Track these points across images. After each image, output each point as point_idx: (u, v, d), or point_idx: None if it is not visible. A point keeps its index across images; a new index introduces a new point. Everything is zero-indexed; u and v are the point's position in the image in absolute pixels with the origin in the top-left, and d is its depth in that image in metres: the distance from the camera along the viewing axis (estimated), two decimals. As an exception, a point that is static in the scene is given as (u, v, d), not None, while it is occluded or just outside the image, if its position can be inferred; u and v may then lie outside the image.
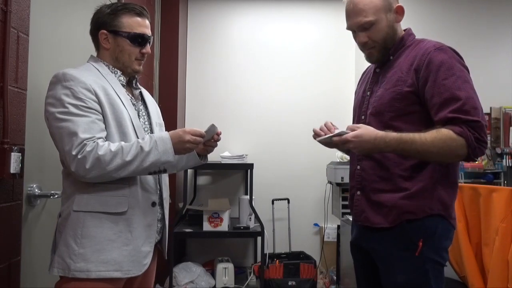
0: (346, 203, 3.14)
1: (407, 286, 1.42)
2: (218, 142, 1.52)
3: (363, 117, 1.56)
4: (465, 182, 3.43)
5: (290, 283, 3.32)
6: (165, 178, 1.57)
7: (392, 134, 1.36)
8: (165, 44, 3.57)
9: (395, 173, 1.45)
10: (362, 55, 1.61)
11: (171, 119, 3.44)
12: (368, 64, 1.67)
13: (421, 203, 1.42)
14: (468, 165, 3.49)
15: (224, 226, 3.17)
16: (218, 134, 1.49)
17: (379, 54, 1.53)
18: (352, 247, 1.64)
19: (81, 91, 1.34)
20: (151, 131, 1.54)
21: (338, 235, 3.47)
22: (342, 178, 3.20)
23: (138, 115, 1.50)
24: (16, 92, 1.48)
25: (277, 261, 3.43)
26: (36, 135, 1.62)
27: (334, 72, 3.99)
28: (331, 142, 1.41)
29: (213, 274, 3.39)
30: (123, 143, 1.35)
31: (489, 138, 3.53)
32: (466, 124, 1.34)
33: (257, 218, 3.28)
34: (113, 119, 1.39)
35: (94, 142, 1.31)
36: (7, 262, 1.44)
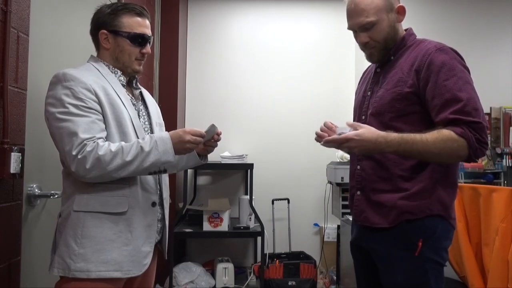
0: (346, 203, 3.14)
1: (407, 286, 1.42)
2: (218, 142, 1.52)
3: (363, 117, 1.56)
4: (465, 182, 3.43)
5: (290, 283, 3.32)
6: (165, 178, 1.57)
7: (393, 135, 1.36)
8: (165, 44, 3.57)
9: (395, 173, 1.45)
10: (362, 55, 1.61)
11: (171, 119, 3.44)
12: (369, 63, 1.67)
13: (421, 203, 1.42)
14: (468, 165, 3.49)
15: (224, 226, 3.17)
16: (218, 134, 1.49)
17: (380, 54, 1.53)
18: (352, 247, 1.64)
19: (81, 91, 1.34)
20: (151, 131, 1.54)
21: (338, 235, 3.47)
22: (342, 178, 3.20)
23: (138, 115, 1.50)
24: (16, 92, 1.48)
25: (277, 261, 3.43)
26: (36, 135, 1.61)
27: (334, 72, 3.99)
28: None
29: (213, 274, 3.39)
30: (123, 143, 1.35)
31: (489, 138, 3.53)
32: (467, 125, 1.33)
33: (257, 218, 3.28)
34: (113, 119, 1.39)
35: (94, 142, 1.31)
36: (7, 262, 1.44)
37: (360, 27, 1.49)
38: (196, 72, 3.98)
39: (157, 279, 1.87)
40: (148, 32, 1.50)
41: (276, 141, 3.93)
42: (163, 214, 1.54)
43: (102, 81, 1.42)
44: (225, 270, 3.33)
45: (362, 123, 1.52)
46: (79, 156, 1.29)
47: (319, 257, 3.71)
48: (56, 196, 1.63)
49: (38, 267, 1.63)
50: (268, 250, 3.58)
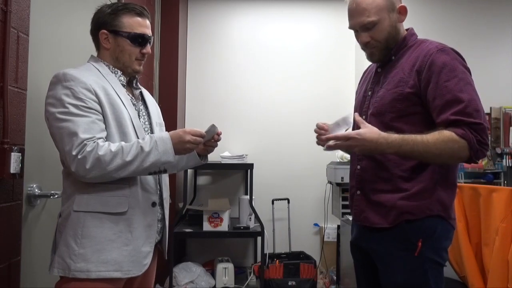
0: (346, 203, 3.15)
1: (407, 286, 1.42)
2: (218, 142, 1.52)
3: (364, 117, 1.55)
4: (465, 182, 3.43)
5: (290, 283, 3.32)
6: (165, 178, 1.57)
7: (394, 135, 1.36)
8: (165, 44, 3.57)
9: (395, 173, 1.45)
10: (362, 55, 1.60)
11: (171, 119, 3.44)
12: (369, 63, 1.67)
13: (421, 203, 1.42)
14: (468, 165, 3.49)
15: (224, 226, 3.17)
16: (219, 134, 1.49)
17: (381, 54, 1.53)
18: (352, 247, 1.64)
19: (81, 91, 1.34)
20: (151, 131, 1.54)
21: (338, 235, 3.47)
22: (342, 178, 3.20)
23: (138, 115, 1.50)
24: (16, 92, 1.48)
25: (277, 261, 3.43)
26: (36, 135, 1.61)
27: (334, 72, 3.99)
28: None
29: (213, 274, 3.39)
30: (123, 143, 1.35)
31: (489, 138, 3.53)
32: (468, 126, 1.33)
33: (257, 218, 3.28)
34: (113, 119, 1.39)
35: (94, 142, 1.31)
36: (7, 262, 1.44)
37: (361, 26, 1.49)
38: (196, 72, 3.98)
39: (157, 279, 1.87)
40: (149, 32, 1.50)
41: (276, 141, 3.93)
42: (163, 214, 1.54)
43: (102, 81, 1.42)
44: (225, 270, 3.33)
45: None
46: (79, 156, 1.29)
47: (319, 257, 3.71)
48: (56, 196, 1.63)
49: (38, 267, 1.63)
50: (268, 250, 3.58)
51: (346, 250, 2.84)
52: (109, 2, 1.76)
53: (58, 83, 1.34)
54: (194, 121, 3.92)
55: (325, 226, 3.74)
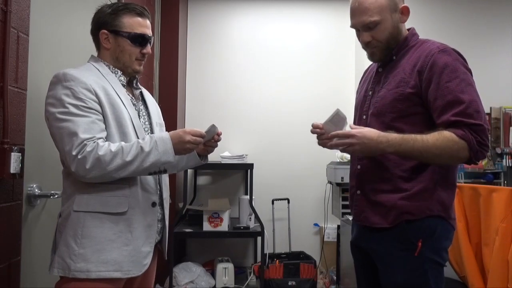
0: (346, 203, 3.15)
1: (407, 286, 1.42)
2: (218, 142, 1.52)
3: (364, 117, 1.55)
4: (465, 182, 3.43)
5: (290, 283, 3.32)
6: (165, 178, 1.57)
7: (394, 134, 1.36)
8: (165, 44, 3.57)
9: (395, 173, 1.45)
10: (362, 55, 1.60)
11: (171, 119, 3.44)
12: (369, 63, 1.67)
13: (421, 204, 1.42)
14: (468, 165, 3.49)
15: (224, 226, 3.17)
16: (219, 135, 1.49)
17: (382, 53, 1.53)
18: (352, 247, 1.64)
19: (82, 91, 1.34)
20: (151, 131, 1.54)
21: (338, 235, 3.47)
22: (342, 178, 3.20)
23: (139, 115, 1.50)
24: (16, 92, 1.48)
25: (277, 261, 3.43)
26: (36, 135, 1.61)
27: (334, 72, 3.99)
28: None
29: (213, 274, 3.39)
30: (123, 143, 1.35)
31: (489, 138, 3.53)
32: (469, 127, 1.34)
33: (257, 218, 3.28)
34: (113, 119, 1.39)
35: (94, 142, 1.31)
36: (7, 262, 1.44)
37: (363, 26, 1.48)
38: (196, 72, 3.98)
39: (157, 279, 1.87)
40: (149, 32, 1.50)
41: (276, 141, 3.93)
42: (163, 214, 1.54)
43: (102, 81, 1.42)
44: (225, 270, 3.33)
45: (363, 123, 1.53)
46: (79, 156, 1.29)
47: (319, 257, 3.71)
48: (56, 196, 1.63)
49: (38, 267, 1.63)
50: (268, 250, 3.58)
51: (346, 250, 2.84)
52: (109, 2, 1.76)
53: (58, 83, 1.34)
54: (194, 121, 3.92)
55: (325, 226, 3.74)
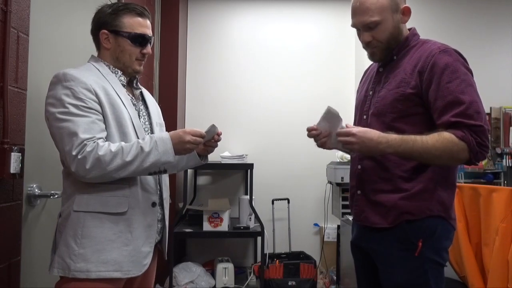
0: (346, 203, 3.14)
1: (407, 286, 1.42)
2: (218, 142, 1.52)
3: (364, 117, 1.55)
4: (465, 182, 3.43)
5: (290, 283, 3.32)
6: (165, 178, 1.57)
7: (394, 136, 1.36)
8: (165, 44, 3.57)
9: (396, 174, 1.45)
10: (362, 55, 1.60)
11: (171, 119, 3.44)
12: (370, 63, 1.67)
13: (421, 204, 1.42)
14: (467, 166, 3.49)
15: (224, 226, 3.17)
16: (219, 135, 1.49)
17: (382, 54, 1.53)
18: (353, 247, 1.64)
19: (82, 91, 1.34)
20: (152, 131, 1.54)
21: (338, 235, 3.47)
22: (342, 178, 3.20)
23: (139, 115, 1.50)
24: (16, 92, 1.48)
25: (277, 261, 3.43)
26: (36, 135, 1.61)
27: (334, 72, 3.99)
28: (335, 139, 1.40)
29: (213, 274, 3.39)
30: (123, 143, 1.35)
31: (489, 138, 3.53)
32: (469, 128, 1.33)
33: (257, 218, 3.28)
34: (114, 119, 1.39)
35: (94, 142, 1.31)
36: (7, 262, 1.44)
37: (364, 26, 1.48)
38: (196, 72, 3.98)
39: (157, 279, 1.87)
40: (149, 32, 1.50)
41: (276, 141, 3.93)
42: (163, 215, 1.54)
43: (102, 81, 1.42)
44: (225, 270, 3.33)
45: (364, 123, 1.53)
46: (79, 156, 1.29)
47: (319, 257, 3.71)
48: (56, 196, 1.63)
49: (38, 267, 1.63)
50: (268, 250, 3.58)
51: (346, 250, 2.83)
52: (109, 2, 1.76)
53: (58, 83, 1.34)
54: (194, 121, 3.92)
55: (325, 226, 3.74)
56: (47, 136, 1.38)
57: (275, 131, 3.94)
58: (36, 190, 1.63)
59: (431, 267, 1.42)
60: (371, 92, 1.57)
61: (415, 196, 1.42)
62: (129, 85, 1.54)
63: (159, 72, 3.53)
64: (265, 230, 3.25)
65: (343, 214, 3.26)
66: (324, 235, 3.76)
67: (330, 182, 3.57)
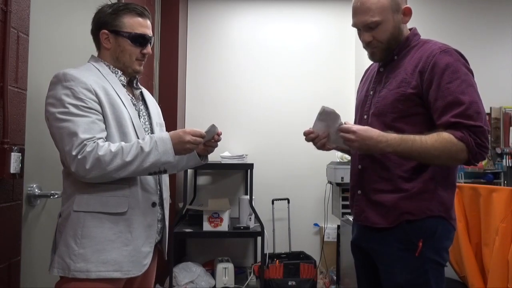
0: (346, 203, 3.14)
1: (407, 286, 1.42)
2: (218, 142, 1.52)
3: (365, 116, 1.56)
4: (465, 182, 3.43)
5: (290, 283, 3.32)
6: (165, 178, 1.57)
7: (393, 135, 1.37)
8: (165, 44, 3.57)
9: (396, 174, 1.45)
10: (362, 55, 1.60)
11: (171, 119, 3.44)
12: (370, 62, 1.67)
13: (421, 204, 1.42)
14: (467, 166, 3.49)
15: (224, 226, 3.17)
16: (219, 135, 1.49)
17: (382, 54, 1.53)
18: (353, 246, 1.64)
19: (82, 91, 1.34)
20: (152, 131, 1.54)
21: (338, 235, 3.47)
22: (342, 178, 3.20)
23: (139, 115, 1.50)
24: (16, 92, 1.48)
25: (277, 261, 3.43)
26: (36, 135, 1.61)
27: (334, 72, 3.99)
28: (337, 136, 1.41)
29: (213, 274, 3.39)
30: (123, 143, 1.35)
31: (489, 138, 3.53)
32: (468, 129, 1.33)
33: (257, 218, 3.28)
34: (114, 119, 1.39)
35: (94, 142, 1.31)
36: (7, 262, 1.44)
37: (364, 25, 1.48)
38: (196, 72, 3.98)
39: (157, 279, 1.87)
40: (149, 32, 1.50)
41: (276, 141, 3.93)
42: (163, 215, 1.54)
43: (102, 81, 1.42)
44: (225, 270, 3.33)
45: (364, 123, 1.53)
46: (79, 156, 1.28)
47: (319, 257, 3.71)
48: (56, 196, 1.63)
49: (38, 267, 1.63)
50: (268, 250, 3.58)
51: (346, 250, 2.84)
52: (109, 2, 1.76)
53: (58, 83, 1.34)
54: (194, 121, 3.92)
55: (325, 226, 3.74)
56: (47, 136, 1.38)
57: (275, 131, 3.94)
58: (36, 190, 1.63)
59: (431, 267, 1.42)
60: (371, 92, 1.57)
61: (416, 196, 1.42)
62: (129, 85, 1.54)
63: (159, 72, 3.53)
64: (265, 230, 3.25)
65: (343, 214, 3.26)
66: (324, 235, 3.76)
67: (330, 182, 3.57)
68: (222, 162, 3.49)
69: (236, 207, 3.48)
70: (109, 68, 1.48)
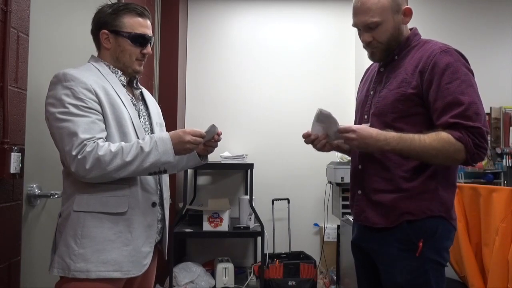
0: (346, 203, 3.14)
1: (408, 286, 1.42)
2: (218, 142, 1.52)
3: (365, 116, 1.56)
4: (465, 182, 3.43)
5: (290, 283, 3.32)
6: (165, 178, 1.57)
7: (392, 133, 1.37)
8: (165, 44, 3.57)
9: (396, 174, 1.45)
10: (362, 55, 1.60)
11: (171, 119, 3.44)
12: (370, 63, 1.67)
13: (422, 204, 1.42)
14: (465, 166, 3.49)
15: (224, 226, 3.17)
16: (219, 134, 1.49)
17: (382, 54, 1.53)
18: (353, 247, 1.64)
19: (82, 91, 1.34)
20: (152, 131, 1.54)
21: (338, 235, 3.47)
22: (342, 178, 3.20)
23: (139, 115, 1.50)
24: (16, 92, 1.48)
25: (277, 261, 3.43)
26: (36, 135, 1.61)
27: (334, 72, 3.99)
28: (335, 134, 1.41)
29: (213, 274, 3.39)
30: (123, 143, 1.35)
31: (489, 138, 3.53)
32: (467, 129, 1.34)
33: (257, 218, 3.28)
34: (114, 119, 1.39)
35: (94, 142, 1.31)
36: (7, 262, 1.44)
37: (364, 26, 1.48)
38: (196, 72, 3.98)
39: (157, 279, 1.87)
40: (149, 32, 1.50)
41: (276, 141, 3.93)
42: (163, 215, 1.54)
43: (102, 81, 1.42)
44: (225, 270, 3.33)
45: (365, 122, 1.53)
46: (79, 156, 1.28)
47: (319, 257, 3.71)
48: (56, 196, 1.63)
49: (38, 267, 1.63)
50: (268, 250, 3.58)
51: (346, 250, 2.84)
52: (109, 2, 1.76)
53: (58, 83, 1.34)
54: (194, 121, 3.92)
55: (325, 226, 3.74)
56: (47, 136, 1.38)
57: (275, 131, 3.94)
58: (36, 190, 1.63)
59: (432, 267, 1.42)
60: (372, 92, 1.57)
61: (416, 196, 1.42)
62: (129, 85, 1.54)
63: (159, 72, 3.53)
64: (265, 230, 3.25)
65: (343, 214, 3.26)
66: (324, 235, 3.76)
67: (330, 182, 3.57)
68: (222, 162, 3.49)
69: (236, 207, 3.47)
70: (109, 68, 1.48)
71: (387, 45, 1.50)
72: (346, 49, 3.93)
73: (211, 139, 1.48)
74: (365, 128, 1.38)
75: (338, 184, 3.31)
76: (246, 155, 3.68)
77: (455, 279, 2.58)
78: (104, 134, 1.36)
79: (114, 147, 1.32)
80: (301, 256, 3.60)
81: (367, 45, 1.53)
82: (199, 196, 3.84)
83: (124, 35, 1.46)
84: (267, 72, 3.98)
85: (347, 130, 1.37)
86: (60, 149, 1.34)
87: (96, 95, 1.36)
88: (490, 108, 3.64)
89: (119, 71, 1.49)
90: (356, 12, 1.49)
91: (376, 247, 1.50)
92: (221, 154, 3.55)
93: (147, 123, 1.54)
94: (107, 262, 1.34)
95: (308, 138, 1.46)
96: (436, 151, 1.34)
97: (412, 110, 1.44)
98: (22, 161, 1.45)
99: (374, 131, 1.37)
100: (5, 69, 1.41)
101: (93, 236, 1.34)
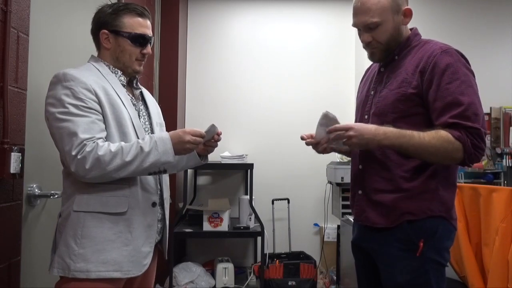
0: (346, 203, 3.15)
1: (408, 286, 1.42)
2: (218, 142, 1.52)
3: (366, 116, 1.56)
4: (465, 182, 3.43)
5: (290, 283, 3.32)
6: (165, 178, 1.57)
7: (391, 128, 1.38)
8: (165, 44, 3.57)
9: (397, 174, 1.45)
10: (362, 55, 1.60)
11: (171, 119, 3.44)
12: (370, 63, 1.67)
13: (422, 204, 1.42)
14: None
15: (224, 226, 3.17)
16: (219, 134, 1.49)
17: (382, 54, 1.53)
18: (353, 246, 1.64)
19: (81, 91, 1.34)
20: (152, 131, 1.54)
21: (338, 235, 3.47)
22: (342, 178, 3.20)
23: (139, 115, 1.50)
24: (16, 92, 1.48)
25: (277, 261, 3.43)
26: (36, 135, 1.61)
27: (334, 72, 3.99)
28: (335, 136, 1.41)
29: (213, 274, 3.39)
30: (123, 143, 1.35)
31: (489, 138, 3.53)
32: (465, 130, 1.34)
33: (257, 218, 3.28)
34: (113, 119, 1.39)
35: (94, 142, 1.31)
36: (7, 262, 1.44)
37: (364, 26, 1.48)
38: (196, 72, 3.98)
39: (157, 279, 1.87)
40: (149, 32, 1.50)
41: (276, 141, 3.93)
42: (163, 214, 1.54)
43: (102, 81, 1.42)
44: (225, 270, 3.33)
45: (365, 122, 1.53)
46: (78, 156, 1.28)
47: (319, 257, 3.71)
48: (56, 196, 1.63)
49: (38, 267, 1.63)
50: (268, 250, 3.58)
51: (346, 250, 2.84)
52: (109, 2, 1.76)
53: (58, 83, 1.34)
54: (194, 121, 3.92)
55: (325, 226, 3.74)
56: (47, 136, 1.38)
57: (275, 131, 3.94)
58: (36, 190, 1.63)
59: (432, 267, 1.42)
60: (372, 92, 1.57)
61: (416, 196, 1.42)
62: (129, 85, 1.54)
63: (159, 72, 3.53)
64: (265, 230, 3.25)
65: (343, 214, 3.26)
66: (324, 235, 3.76)
67: (330, 182, 3.57)
68: (222, 162, 3.49)
69: (236, 207, 3.47)
70: (109, 68, 1.48)
71: (387, 46, 1.50)
72: (346, 49, 3.93)
73: (211, 139, 1.48)
74: (363, 124, 1.39)
75: (338, 184, 3.31)
76: (246, 155, 3.68)
77: (455, 279, 2.58)
78: (104, 134, 1.36)
79: (114, 147, 1.32)
80: (301, 256, 3.60)
81: (366, 45, 1.53)
82: (199, 196, 3.84)
83: (124, 35, 1.46)
84: (267, 72, 3.98)
85: (345, 129, 1.37)
86: (60, 149, 1.34)
87: (96, 95, 1.36)
88: (490, 108, 3.64)
89: (119, 71, 1.49)
90: (356, 12, 1.49)
91: (377, 247, 1.50)
92: (221, 154, 3.55)
93: (147, 123, 1.54)
94: (107, 262, 1.34)
95: (308, 140, 1.47)
96: (435, 149, 1.34)
97: (412, 110, 1.44)
98: (22, 161, 1.45)
99: (373, 127, 1.38)
100: (5, 69, 1.41)
101: (93, 236, 1.34)
